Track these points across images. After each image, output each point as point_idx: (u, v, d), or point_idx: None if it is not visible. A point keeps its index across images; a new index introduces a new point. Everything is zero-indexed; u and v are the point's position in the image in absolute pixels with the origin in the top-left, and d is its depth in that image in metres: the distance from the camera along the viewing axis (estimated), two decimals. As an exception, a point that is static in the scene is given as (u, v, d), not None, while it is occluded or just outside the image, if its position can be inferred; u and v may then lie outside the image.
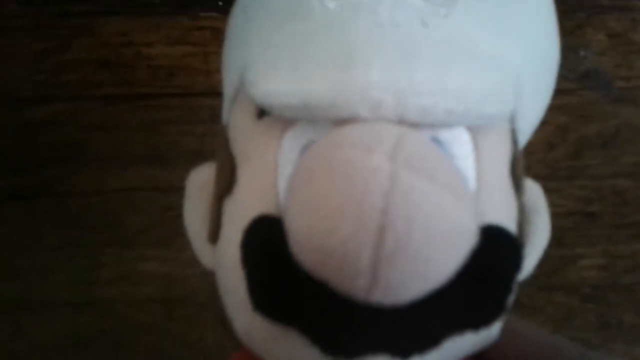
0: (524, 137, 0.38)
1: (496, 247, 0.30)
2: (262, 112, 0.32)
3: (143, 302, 0.75)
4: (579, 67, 0.75)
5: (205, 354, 0.76)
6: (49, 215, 0.73)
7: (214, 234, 0.35)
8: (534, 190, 0.38)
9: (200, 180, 0.38)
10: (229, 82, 0.38)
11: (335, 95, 0.29)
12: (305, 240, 0.27)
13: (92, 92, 0.71)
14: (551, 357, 0.34)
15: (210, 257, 0.36)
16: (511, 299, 0.32)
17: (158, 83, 0.71)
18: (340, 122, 0.29)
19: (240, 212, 0.32)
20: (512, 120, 0.34)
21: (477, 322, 0.31)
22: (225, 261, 0.32)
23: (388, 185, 0.25)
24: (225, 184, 0.34)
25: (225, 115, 0.38)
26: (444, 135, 0.31)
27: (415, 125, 0.29)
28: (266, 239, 0.29)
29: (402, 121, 0.29)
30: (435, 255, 0.26)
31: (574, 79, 0.75)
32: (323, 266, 0.27)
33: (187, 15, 0.70)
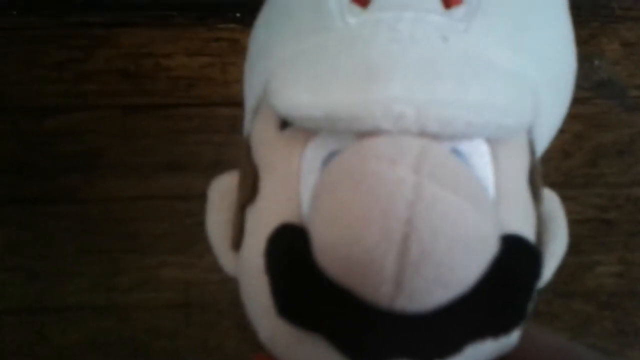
0: (541, 147, 0.39)
1: (516, 255, 0.30)
2: (284, 123, 0.33)
3: (162, 308, 0.77)
4: (593, 76, 0.76)
5: (224, 359, 0.78)
6: (70, 222, 0.75)
7: (237, 242, 0.36)
8: (551, 198, 0.39)
9: (221, 189, 0.39)
10: (251, 94, 0.39)
11: (358, 108, 0.29)
12: (330, 248, 0.28)
13: (112, 102, 0.72)
14: None
15: (233, 264, 0.37)
16: (531, 306, 0.32)
17: (177, 93, 0.73)
18: (363, 134, 0.30)
19: (264, 221, 0.33)
20: (530, 131, 0.35)
21: (498, 329, 0.31)
22: (249, 268, 0.33)
23: (412, 196, 0.26)
24: (248, 193, 0.35)
25: (247, 126, 0.39)
26: (464, 146, 0.32)
27: (435, 137, 0.29)
28: (290, 247, 0.30)
29: (422, 133, 0.29)
30: (459, 263, 0.27)
31: (589, 88, 0.76)
32: (347, 274, 0.27)
33: (205, 27, 0.71)
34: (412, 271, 0.26)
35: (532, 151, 0.36)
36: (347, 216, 0.27)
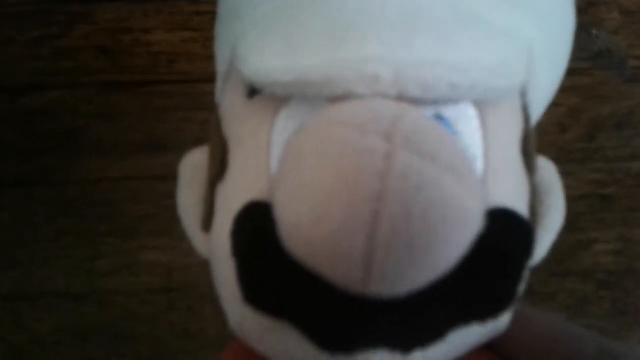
0: (536, 113, 0.39)
1: (505, 231, 0.30)
2: (253, 91, 0.33)
3: (143, 293, 0.81)
4: (591, 46, 0.79)
5: (206, 344, 0.82)
6: (47, 205, 0.79)
7: (207, 222, 0.36)
8: (547, 168, 0.39)
9: (192, 165, 0.40)
10: (221, 60, 0.40)
11: (329, 70, 0.29)
12: (294, 229, 0.28)
13: (91, 79, 0.76)
14: (566, 346, 0.35)
15: (205, 245, 0.37)
16: (521, 287, 0.33)
17: (157, 69, 0.76)
18: (336, 99, 0.30)
19: (231, 198, 0.33)
20: (523, 94, 0.35)
21: (485, 313, 0.31)
22: (217, 250, 0.33)
23: (383, 167, 0.26)
24: (217, 168, 0.36)
25: (219, 95, 0.40)
26: (449, 111, 0.32)
27: (416, 101, 0.30)
28: (256, 227, 0.30)
29: (402, 97, 0.29)
30: (436, 242, 0.26)
31: (587, 59, 0.79)
32: (314, 257, 0.27)
33: (186, 0, 0.74)
34: (383, 252, 0.26)
35: (526, 116, 0.36)
36: (311, 192, 0.27)
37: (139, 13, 0.74)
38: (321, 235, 0.27)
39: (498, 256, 0.30)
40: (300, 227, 0.27)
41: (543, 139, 0.77)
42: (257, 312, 0.31)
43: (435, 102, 0.31)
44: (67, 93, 0.76)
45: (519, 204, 0.34)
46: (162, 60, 0.76)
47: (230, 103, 0.36)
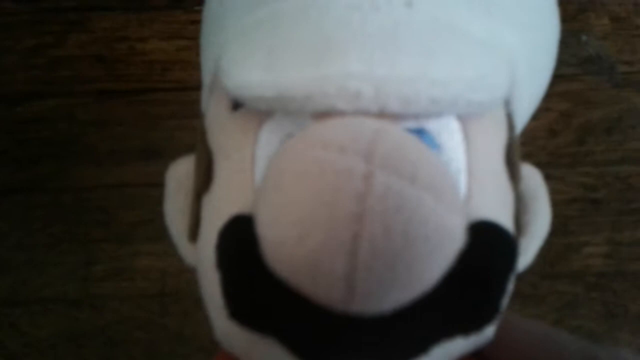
0: (521, 121, 0.39)
1: (488, 245, 0.30)
2: (237, 104, 0.33)
3: (138, 298, 0.82)
4: (581, 52, 0.80)
5: (199, 349, 0.82)
6: (43, 211, 0.80)
7: (194, 232, 0.36)
8: (532, 175, 0.39)
9: (179, 175, 0.39)
10: (206, 70, 0.39)
11: (311, 86, 0.29)
12: (275, 248, 0.27)
13: (86, 88, 0.77)
14: (551, 352, 0.34)
15: (192, 255, 0.37)
16: (505, 300, 0.32)
17: (153, 78, 0.77)
18: (319, 114, 0.30)
19: (217, 211, 0.33)
20: (507, 103, 0.35)
21: (468, 327, 0.31)
22: (204, 262, 0.33)
23: (362, 188, 0.26)
24: (203, 180, 0.35)
25: (204, 105, 0.39)
26: (431, 124, 0.32)
27: (397, 117, 0.30)
28: (240, 242, 0.30)
29: (383, 113, 0.29)
30: (417, 261, 0.26)
31: (576, 65, 0.80)
32: (295, 276, 0.27)
33: (181, 9, 0.75)
34: (364, 273, 0.26)
35: (511, 126, 0.36)
36: (290, 212, 0.27)
37: (134, 22, 0.76)
38: (303, 254, 0.27)
39: (481, 271, 0.30)
40: (281, 247, 0.27)
41: (534, 143, 0.81)
42: (242, 328, 0.31)
43: (417, 116, 0.31)
44: (63, 101, 0.77)
45: (504, 216, 0.33)
46: (157, 68, 0.77)
47: (215, 114, 0.36)
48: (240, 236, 0.30)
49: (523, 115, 0.39)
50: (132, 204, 0.80)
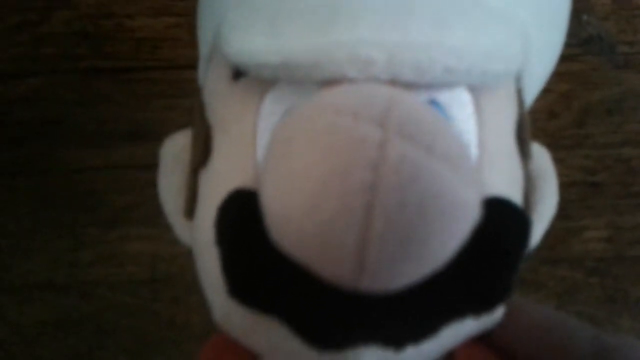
0: (530, 97, 0.39)
1: (501, 222, 0.30)
2: (238, 73, 0.33)
3: (128, 284, 0.81)
4: (581, 32, 0.79)
5: (192, 335, 0.81)
6: (28, 195, 0.79)
7: (190, 209, 0.36)
8: (540, 154, 0.39)
9: (174, 150, 0.39)
10: (203, 41, 0.39)
11: (319, 52, 0.29)
12: (282, 221, 0.27)
13: (72, 66, 0.75)
14: (560, 336, 0.34)
15: (188, 233, 0.37)
16: (516, 279, 0.32)
17: (141, 56, 0.76)
18: (326, 83, 0.29)
19: (216, 186, 0.32)
20: (518, 79, 0.35)
21: (480, 306, 0.31)
22: (201, 240, 0.32)
23: (377, 157, 0.25)
24: (200, 154, 0.35)
25: (202, 77, 0.38)
26: (443, 96, 0.31)
27: (410, 85, 0.29)
28: (242, 217, 0.29)
29: (395, 81, 0.29)
30: (432, 235, 0.26)
31: (577, 45, 0.79)
32: (303, 251, 0.26)
33: None
34: (377, 247, 0.25)
35: (521, 102, 0.35)
36: (300, 182, 0.26)
37: (121, -2, 0.73)
38: (311, 228, 0.26)
39: (494, 248, 0.29)
40: (289, 220, 0.26)
41: (533, 125, 0.77)
42: (243, 307, 0.30)
43: (429, 86, 0.30)
44: (47, 80, 0.75)
45: (514, 192, 0.33)
46: (146, 46, 0.76)
47: (213, 86, 0.36)
48: (241, 210, 0.29)
49: (531, 93, 0.39)
50: (120, 187, 0.78)
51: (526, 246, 0.31)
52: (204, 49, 0.38)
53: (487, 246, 0.29)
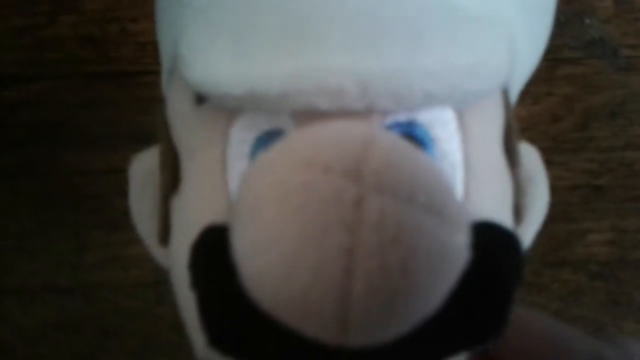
0: (514, 94, 0.36)
1: (491, 252, 0.27)
2: (201, 98, 0.30)
3: (131, 287, 0.81)
4: (584, 35, 0.79)
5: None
6: (32, 198, 0.79)
7: (163, 237, 0.34)
8: (529, 155, 0.37)
9: (143, 171, 0.37)
10: (164, 51, 0.36)
11: (286, 82, 0.26)
12: (257, 285, 0.25)
13: (76, 70, 0.76)
14: (560, 351, 0.33)
15: (164, 259, 0.35)
16: (512, 310, 0.29)
17: (145, 60, 0.76)
18: (297, 113, 0.28)
19: (187, 218, 0.31)
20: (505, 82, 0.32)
21: (474, 342, 0.29)
22: (176, 273, 0.31)
23: (353, 216, 0.23)
24: (169, 180, 0.33)
25: (164, 90, 0.36)
26: (423, 116, 0.29)
27: (387, 111, 0.28)
28: (216, 260, 0.27)
29: (371, 110, 0.27)
30: (419, 291, 0.24)
31: (579, 48, 0.78)
32: (281, 312, 0.25)
33: None
34: (360, 310, 0.24)
35: (507, 103, 0.33)
36: (273, 247, 0.24)
37: (126, 2, 0.74)
38: (289, 292, 0.24)
39: (486, 280, 0.27)
40: (264, 284, 0.25)
41: (536, 129, 0.80)
42: (223, 357, 0.28)
43: (408, 109, 0.29)
44: (52, 84, 0.76)
45: (503, 210, 0.32)
46: (150, 50, 0.76)
47: (177, 106, 0.33)
48: (214, 253, 0.27)
49: (517, 88, 0.37)
50: (123, 190, 0.75)
51: (519, 275, 0.29)
52: (165, 58, 0.35)
53: (478, 279, 0.26)
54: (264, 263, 0.24)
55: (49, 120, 0.76)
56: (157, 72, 0.75)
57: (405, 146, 0.26)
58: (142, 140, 0.75)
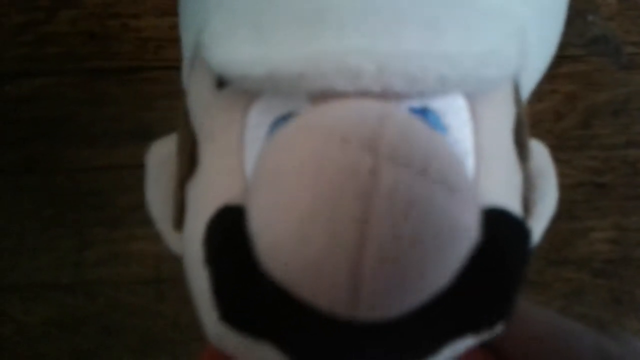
0: (527, 90, 0.37)
1: (500, 235, 0.28)
2: (222, 82, 0.31)
3: (133, 284, 0.80)
4: (587, 32, 0.79)
5: (196, 336, 0.78)
6: (34, 195, 0.79)
7: (179, 220, 0.34)
8: (539, 151, 0.37)
9: (160, 157, 0.38)
10: (186, 44, 0.37)
11: (305, 64, 0.27)
12: (272, 253, 0.25)
13: (77, 66, 0.76)
14: (564, 344, 0.33)
15: (178, 244, 0.35)
16: (517, 296, 0.30)
17: (145, 56, 0.76)
18: (315, 94, 0.28)
19: (203, 200, 0.31)
20: (515, 76, 0.33)
21: (481, 325, 0.29)
22: (191, 256, 0.31)
23: (368, 185, 0.24)
24: (187, 164, 0.33)
25: (185, 80, 0.37)
26: (436, 103, 0.30)
27: (401, 95, 0.28)
28: (231, 236, 0.27)
29: (386, 91, 0.27)
30: (428, 264, 0.24)
31: (582, 45, 0.79)
32: (294, 282, 0.25)
33: None
34: (370, 280, 0.24)
35: (518, 99, 0.34)
36: (290, 214, 0.25)
37: (127, -2, 0.73)
38: (302, 259, 0.24)
39: (494, 264, 0.28)
40: (278, 252, 0.25)
41: (539, 126, 0.79)
42: (235, 332, 0.28)
43: (421, 94, 0.29)
44: (53, 80, 0.76)
45: (513, 200, 0.32)
46: (150, 46, 0.76)
47: (197, 93, 0.34)
48: (230, 230, 0.28)
49: (528, 86, 0.37)
50: (125, 187, 0.78)
51: (527, 260, 0.30)
52: (186, 51, 0.36)
53: (486, 262, 0.27)
54: (278, 230, 0.25)
55: (50, 116, 0.76)
56: (159, 68, 0.76)
57: (420, 123, 0.26)
58: (144, 136, 0.77)
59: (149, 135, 0.75)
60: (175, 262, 0.76)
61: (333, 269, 0.24)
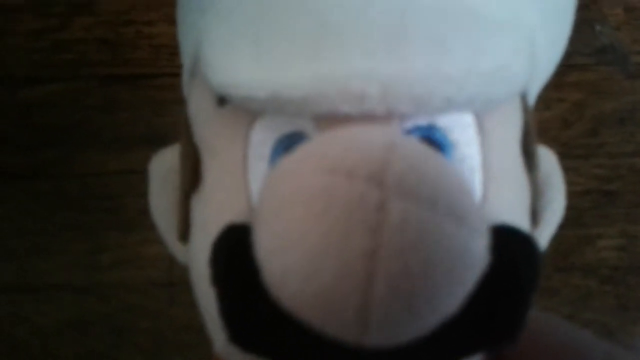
0: (533, 96, 0.36)
1: (510, 256, 0.27)
2: (223, 100, 0.30)
3: (145, 287, 0.80)
4: (594, 42, 0.79)
5: (207, 339, 0.80)
6: (48, 198, 0.79)
7: (183, 234, 0.34)
8: (546, 158, 0.36)
9: (164, 168, 0.37)
10: (185, 52, 0.35)
11: (309, 86, 0.26)
12: (280, 282, 0.25)
13: (91, 72, 0.76)
14: (576, 354, 0.32)
15: (184, 255, 0.35)
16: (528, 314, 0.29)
17: (159, 62, 0.76)
18: (318, 116, 0.27)
19: (208, 216, 0.31)
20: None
21: (492, 343, 0.28)
22: (196, 270, 0.31)
23: (376, 220, 0.23)
24: (190, 179, 0.33)
25: (186, 88, 0.36)
26: (442, 120, 0.29)
27: (407, 115, 0.27)
28: (237, 258, 0.27)
29: (392, 114, 0.27)
30: (438, 294, 0.24)
31: (590, 55, 0.78)
32: (303, 310, 0.25)
33: None
34: (380, 311, 0.24)
35: (525, 107, 0.33)
36: (296, 247, 0.24)
37: (141, 5, 0.74)
38: (311, 292, 0.24)
39: (504, 283, 0.27)
40: (287, 282, 0.25)
41: (547, 134, 0.79)
42: (243, 352, 0.28)
43: (427, 113, 0.28)
44: (67, 86, 0.76)
45: (522, 215, 0.31)
46: (164, 53, 0.76)
47: (198, 106, 0.33)
48: (235, 250, 0.27)
49: (535, 92, 0.36)
50: (138, 191, 0.76)
51: (537, 278, 0.29)
52: (186, 59, 0.35)
53: (496, 282, 0.26)
54: (287, 262, 0.24)
55: (63, 122, 0.76)
56: (171, 75, 0.76)
57: (427, 151, 0.26)
58: (157, 141, 0.74)
59: (161, 140, 0.74)
60: (187, 266, 0.77)
61: (342, 301, 0.24)
